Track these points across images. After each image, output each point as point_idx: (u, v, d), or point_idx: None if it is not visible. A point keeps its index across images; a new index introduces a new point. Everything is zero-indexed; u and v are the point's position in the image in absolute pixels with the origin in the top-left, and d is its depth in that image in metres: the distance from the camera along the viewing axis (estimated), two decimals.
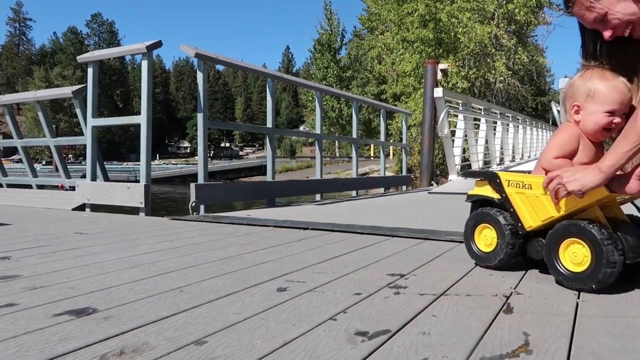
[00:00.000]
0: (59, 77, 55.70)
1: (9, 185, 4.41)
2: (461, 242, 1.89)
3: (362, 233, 2.14)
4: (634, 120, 1.17)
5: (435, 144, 8.46)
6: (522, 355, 0.79)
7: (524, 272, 1.40)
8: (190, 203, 3.05)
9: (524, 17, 17.77)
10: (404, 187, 6.84)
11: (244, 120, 77.10)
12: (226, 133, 74.71)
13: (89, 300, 1.09)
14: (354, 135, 5.70)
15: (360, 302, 1.08)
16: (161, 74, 77.83)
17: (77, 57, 3.66)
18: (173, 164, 41.29)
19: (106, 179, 3.56)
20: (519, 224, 1.37)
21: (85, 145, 3.44)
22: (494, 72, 17.74)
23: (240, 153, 74.67)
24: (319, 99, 4.88)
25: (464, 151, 7.20)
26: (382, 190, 6.54)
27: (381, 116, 6.56)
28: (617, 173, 1.21)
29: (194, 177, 3.68)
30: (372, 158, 29.62)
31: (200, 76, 3.27)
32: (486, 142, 7.81)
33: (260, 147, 71.51)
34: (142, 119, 3.05)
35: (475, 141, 7.54)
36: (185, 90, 79.33)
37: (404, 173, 7.29)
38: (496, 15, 17.93)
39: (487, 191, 1.48)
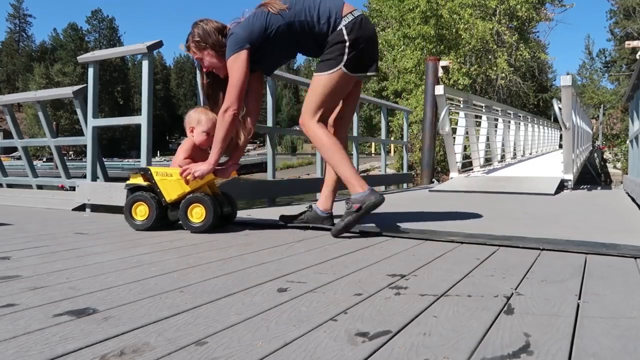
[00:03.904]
0: (59, 74, 55.65)
1: (9, 185, 4.41)
2: (462, 242, 1.90)
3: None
4: (215, 134, 2.18)
5: (437, 141, 8.45)
6: (522, 356, 0.78)
7: (524, 272, 1.40)
8: None
9: (525, 14, 17.73)
10: (405, 185, 6.83)
11: None
12: None
13: (89, 301, 1.09)
14: (355, 134, 5.68)
15: (361, 303, 1.08)
16: (162, 71, 77.74)
17: (78, 58, 3.64)
18: None
19: (106, 178, 3.55)
20: (163, 199, 2.21)
21: (85, 145, 3.44)
22: (495, 68, 17.71)
23: None
24: None
25: (465, 149, 7.19)
26: (382, 188, 6.54)
27: (382, 114, 6.55)
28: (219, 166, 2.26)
29: None
30: (373, 155, 29.60)
31: (200, 75, 3.26)
32: (487, 139, 7.80)
33: (261, 144, 71.34)
34: (142, 119, 3.04)
35: (477, 139, 7.52)
36: (186, 87, 79.23)
37: (405, 170, 7.28)
38: (498, 11, 17.89)
39: (139, 180, 2.27)
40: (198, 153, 2.30)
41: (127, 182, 2.31)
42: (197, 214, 2.15)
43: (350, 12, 2.11)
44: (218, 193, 2.31)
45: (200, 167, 2.15)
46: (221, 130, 2.15)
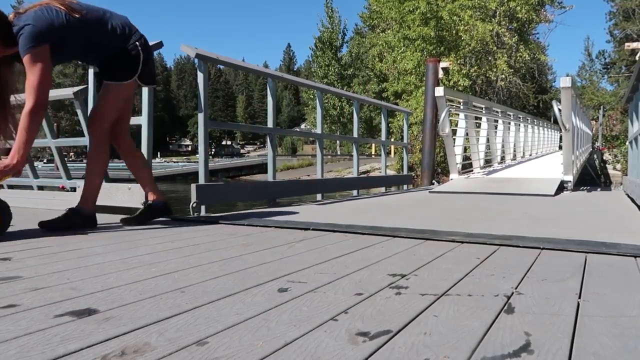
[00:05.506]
0: (60, 75, 55.62)
1: (10, 186, 4.41)
2: (462, 242, 1.90)
3: (363, 233, 2.14)
4: (23, 134, 2.09)
5: (437, 142, 8.46)
6: (523, 355, 0.79)
7: (525, 272, 1.40)
8: (191, 204, 3.05)
9: (525, 15, 17.75)
10: (405, 186, 6.83)
11: (245, 118, 77.15)
12: (227, 131, 74.73)
13: (90, 301, 1.09)
14: (355, 135, 5.69)
15: (362, 303, 1.08)
16: (162, 72, 77.87)
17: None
18: (174, 162, 41.32)
19: (107, 179, 3.55)
20: None
21: (86, 146, 3.44)
22: (495, 70, 17.72)
23: (242, 151, 74.75)
24: (319, 98, 4.87)
25: (465, 150, 7.19)
26: (383, 189, 6.54)
27: (382, 115, 6.55)
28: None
29: (195, 175, 3.66)
30: (373, 156, 29.59)
31: (200, 76, 3.27)
32: (487, 140, 7.80)
33: (262, 145, 71.49)
34: (143, 120, 3.04)
35: (477, 140, 7.52)
36: (187, 88, 79.33)
37: (405, 172, 7.28)
38: (498, 13, 17.90)
39: None
40: None
41: None
42: None
43: (137, 30, 2.39)
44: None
45: (5, 168, 2.04)
46: (30, 131, 2.12)
